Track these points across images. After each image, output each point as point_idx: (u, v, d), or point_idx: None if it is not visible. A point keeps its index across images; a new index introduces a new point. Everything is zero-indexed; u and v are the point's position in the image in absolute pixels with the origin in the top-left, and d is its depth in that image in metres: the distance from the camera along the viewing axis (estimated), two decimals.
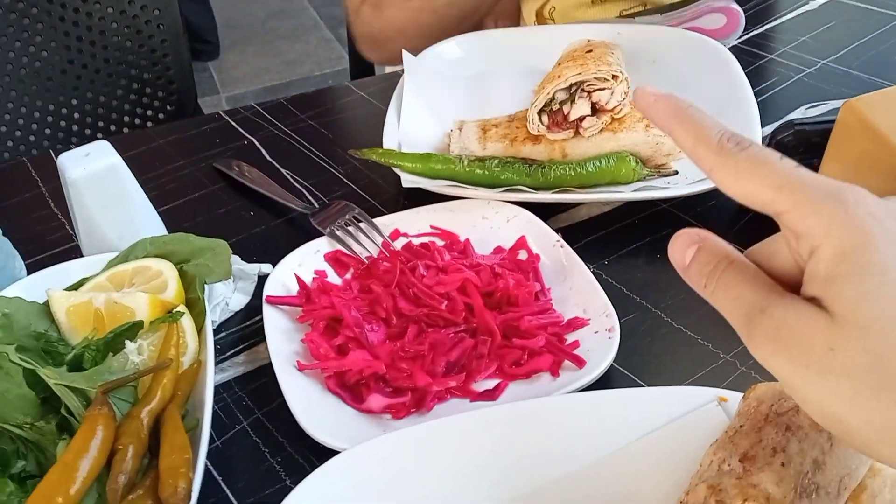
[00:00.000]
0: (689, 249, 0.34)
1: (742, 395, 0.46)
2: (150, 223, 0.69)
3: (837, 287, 0.30)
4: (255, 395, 0.57)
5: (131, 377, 0.51)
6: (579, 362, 0.55)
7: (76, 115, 1.21)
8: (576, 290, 0.60)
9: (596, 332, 0.56)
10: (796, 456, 0.39)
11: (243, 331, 0.63)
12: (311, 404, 0.53)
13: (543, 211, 0.69)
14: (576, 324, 0.58)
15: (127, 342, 0.54)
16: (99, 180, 0.65)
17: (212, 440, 0.53)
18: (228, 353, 0.61)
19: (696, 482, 0.41)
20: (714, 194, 0.72)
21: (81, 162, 0.65)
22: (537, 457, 0.47)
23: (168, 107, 1.25)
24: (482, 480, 0.46)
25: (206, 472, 0.51)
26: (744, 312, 0.32)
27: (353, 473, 0.46)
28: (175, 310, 0.56)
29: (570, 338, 0.57)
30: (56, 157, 0.66)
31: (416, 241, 0.67)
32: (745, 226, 0.69)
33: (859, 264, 0.29)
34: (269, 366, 0.59)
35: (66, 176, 0.64)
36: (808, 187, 0.30)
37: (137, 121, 1.24)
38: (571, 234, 0.67)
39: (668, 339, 0.59)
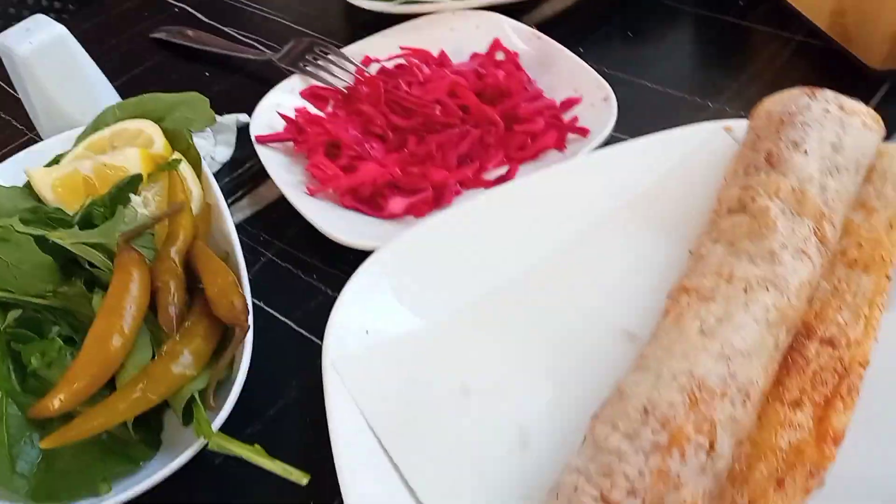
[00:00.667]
0: None
1: (747, 119, 0.48)
2: (108, 94, 0.65)
3: None
4: (271, 230, 0.57)
5: (150, 222, 0.50)
6: (583, 132, 0.55)
7: None
8: (562, 73, 0.61)
9: (592, 105, 0.57)
10: (816, 142, 0.42)
11: (237, 179, 0.61)
12: (333, 221, 0.53)
13: (511, 14, 0.68)
14: (570, 103, 0.58)
15: (132, 196, 0.52)
16: (48, 53, 0.61)
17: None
18: (230, 201, 0.60)
19: (725, 191, 0.44)
20: None
21: (25, 37, 0.60)
22: (572, 210, 0.48)
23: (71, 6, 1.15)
24: (523, 248, 0.47)
25: None
26: None
27: (394, 264, 0.46)
28: (172, 158, 0.54)
29: (568, 116, 0.58)
30: None
31: (390, 65, 0.65)
32: None
33: None
34: (274, 204, 0.58)
35: (12, 55, 0.60)
36: None
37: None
38: (543, 31, 0.67)
39: (657, 103, 0.60)
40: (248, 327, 0.44)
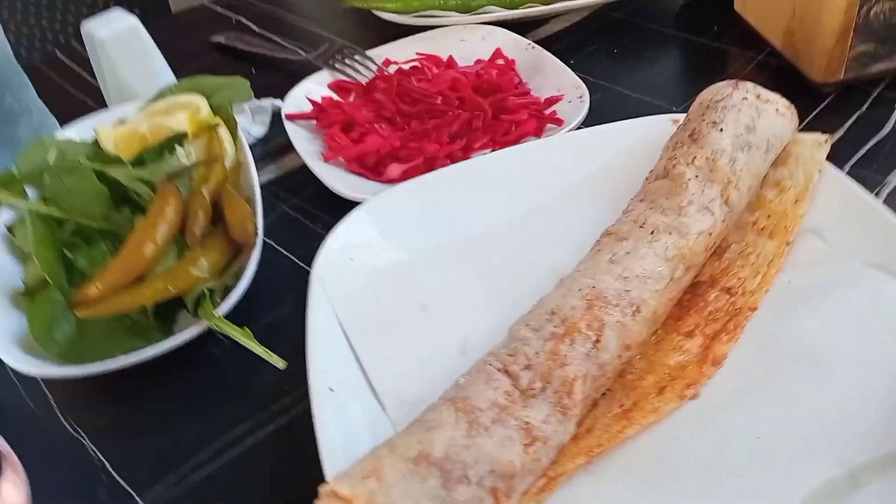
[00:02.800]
0: None
1: None
2: (169, 77, 0.77)
3: None
4: (289, 190, 0.66)
5: (189, 167, 0.60)
6: (558, 122, 0.64)
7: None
8: (548, 77, 0.69)
9: (570, 102, 0.66)
10: (732, 123, 0.49)
11: (268, 149, 0.71)
12: (340, 181, 0.62)
13: (515, 31, 0.77)
14: (552, 100, 0.67)
15: (177, 147, 0.63)
16: (123, 38, 0.72)
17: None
18: (259, 165, 0.69)
19: (657, 163, 0.51)
20: None
21: (105, 24, 0.72)
22: (537, 181, 0.55)
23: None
24: (491, 209, 0.54)
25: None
26: None
27: (382, 211, 0.54)
28: (213, 122, 0.65)
29: (549, 111, 0.66)
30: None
31: (406, 67, 0.75)
32: (687, 20, 0.79)
33: None
34: (296, 170, 0.68)
35: (94, 38, 0.72)
36: None
37: None
38: (541, 45, 0.76)
39: (630, 106, 0.68)
40: (255, 244, 0.53)
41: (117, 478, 0.45)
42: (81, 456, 0.47)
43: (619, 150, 0.55)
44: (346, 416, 0.41)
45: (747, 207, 0.49)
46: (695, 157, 0.47)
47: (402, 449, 0.35)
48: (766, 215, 0.49)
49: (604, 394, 0.41)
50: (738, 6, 0.73)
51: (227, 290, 0.52)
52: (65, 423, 0.49)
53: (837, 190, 0.48)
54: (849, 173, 0.57)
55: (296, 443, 0.46)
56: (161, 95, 0.71)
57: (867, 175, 0.57)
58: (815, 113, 0.63)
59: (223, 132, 0.65)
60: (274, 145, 0.72)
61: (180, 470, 0.45)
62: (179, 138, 0.63)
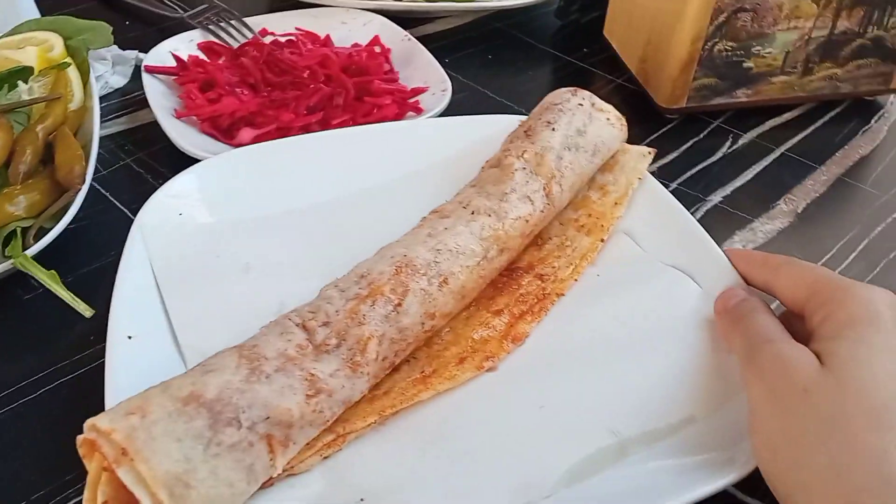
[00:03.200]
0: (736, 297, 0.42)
1: None
2: (33, 13, 0.73)
3: (837, 344, 0.33)
4: (137, 144, 0.64)
5: (26, 102, 0.57)
6: (418, 110, 0.65)
7: None
8: (418, 69, 0.70)
9: (433, 94, 0.67)
10: (564, 124, 0.51)
11: (124, 102, 0.69)
12: (188, 138, 0.60)
13: (398, 24, 0.77)
14: (418, 91, 0.68)
15: (20, 83, 0.60)
16: None
17: (97, 171, 0.60)
18: (111, 116, 0.67)
19: (493, 155, 0.52)
20: (538, 13, 0.85)
21: None
22: (382, 162, 0.55)
23: None
24: (331, 183, 0.54)
25: (94, 189, 0.58)
26: (756, 340, 0.36)
27: (221, 171, 0.53)
28: (62, 61, 0.62)
29: (413, 100, 0.67)
30: None
31: (282, 40, 0.75)
32: (562, 39, 0.82)
33: (861, 335, 0.33)
34: (148, 125, 0.66)
35: None
36: (837, 278, 0.37)
37: None
38: (421, 43, 0.77)
39: (491, 107, 0.70)
40: (80, 188, 0.51)
41: None
42: None
43: (467, 142, 0.56)
44: (139, 366, 0.40)
45: (572, 206, 0.52)
46: (525, 150, 0.50)
47: (174, 389, 0.34)
48: (587, 214, 0.52)
49: (408, 360, 0.42)
50: (606, 31, 0.76)
51: (44, 233, 0.50)
52: None
53: (652, 197, 0.52)
54: (677, 189, 0.61)
55: (91, 394, 0.44)
56: (18, 30, 0.68)
57: (692, 193, 0.61)
58: (656, 135, 0.67)
59: (73, 74, 0.62)
60: (132, 99, 0.70)
61: None
62: (23, 74, 0.60)
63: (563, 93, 0.54)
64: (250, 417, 0.34)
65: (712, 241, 0.47)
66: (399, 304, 0.40)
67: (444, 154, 0.56)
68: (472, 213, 0.46)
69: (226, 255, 0.49)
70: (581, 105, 0.52)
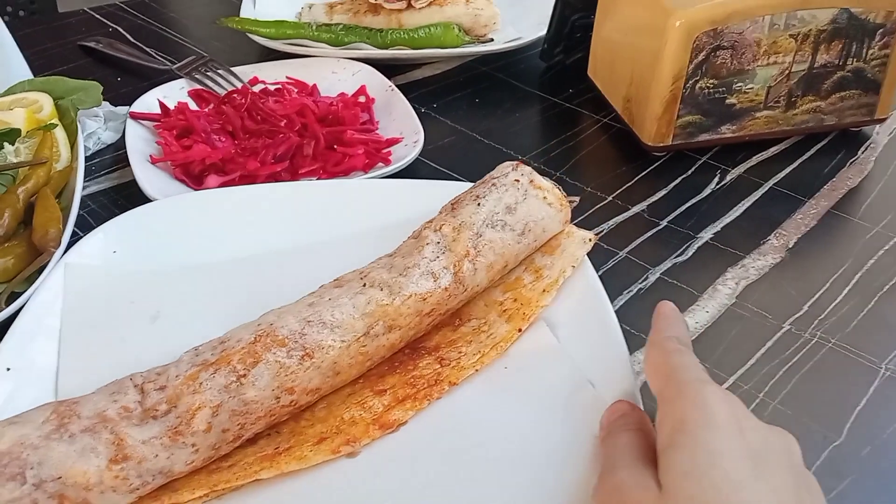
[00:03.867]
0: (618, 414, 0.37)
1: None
2: (25, 74, 0.73)
3: (670, 457, 0.30)
4: (128, 198, 0.63)
5: (10, 165, 0.57)
6: (386, 161, 0.64)
7: None
8: (396, 119, 0.70)
9: (405, 145, 0.66)
10: (493, 200, 0.47)
11: (116, 157, 0.69)
12: (155, 186, 0.59)
13: (385, 72, 0.77)
14: (392, 141, 0.67)
15: (6, 144, 0.59)
16: None
17: (88, 226, 0.59)
18: (104, 171, 0.67)
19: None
20: (523, 56, 0.84)
21: None
22: (318, 220, 0.53)
23: (21, 12, 1.25)
24: (266, 236, 0.52)
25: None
26: (605, 466, 0.34)
27: (159, 216, 0.53)
28: (49, 122, 0.62)
29: (387, 150, 0.66)
30: None
31: (272, 88, 0.75)
32: (548, 80, 0.81)
33: (694, 439, 0.30)
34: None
35: None
36: (679, 372, 0.33)
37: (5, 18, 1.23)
38: (407, 89, 0.76)
39: (479, 150, 0.69)
40: (54, 251, 0.50)
41: None
42: None
43: (412, 207, 0.52)
44: (5, 399, 0.40)
45: (502, 286, 0.48)
46: (444, 224, 0.46)
47: None
48: (513, 299, 0.47)
49: (268, 434, 0.40)
50: (590, 72, 0.76)
51: (14, 297, 0.49)
52: None
53: (582, 288, 0.47)
54: (666, 227, 0.60)
55: None
56: (11, 91, 0.68)
57: (682, 230, 0.60)
58: (644, 172, 0.66)
59: (60, 134, 0.62)
60: (124, 154, 0.69)
61: None
62: (11, 136, 0.60)
63: (505, 166, 0.50)
64: (38, 475, 0.33)
65: (624, 344, 0.43)
66: (243, 376, 0.37)
67: (385, 218, 0.52)
68: (364, 286, 0.42)
69: (140, 301, 0.47)
70: (518, 181, 0.48)
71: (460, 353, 0.44)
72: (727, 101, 0.65)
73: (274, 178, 0.62)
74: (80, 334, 0.44)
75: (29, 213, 0.55)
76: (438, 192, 0.51)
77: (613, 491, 0.32)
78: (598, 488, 0.33)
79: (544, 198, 0.48)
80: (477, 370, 0.43)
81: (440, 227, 0.45)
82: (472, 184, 0.51)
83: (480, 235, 0.45)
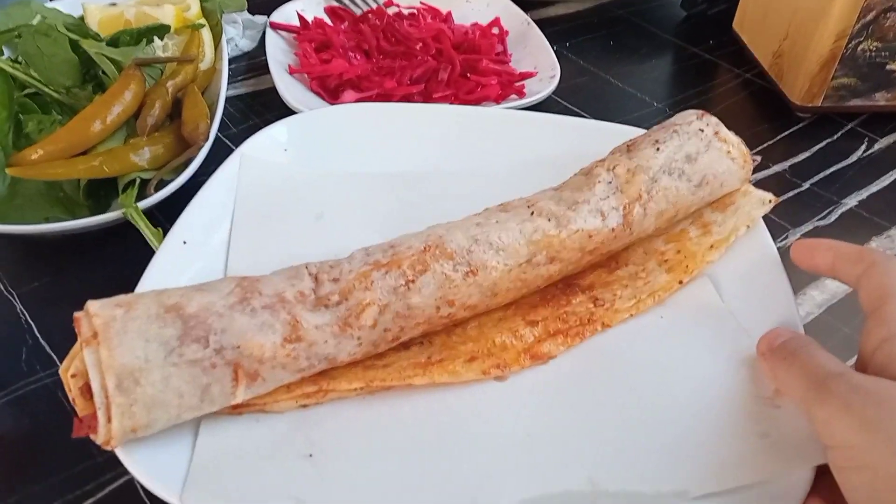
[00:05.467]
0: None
1: None
2: None
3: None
4: (264, 105, 0.63)
5: (162, 59, 0.57)
6: (520, 93, 0.61)
7: None
8: (531, 53, 0.66)
9: (541, 80, 0.62)
10: (673, 147, 0.44)
11: (251, 65, 0.68)
12: (296, 95, 0.59)
13: (519, 5, 0.74)
14: (525, 75, 0.64)
15: (156, 38, 0.59)
16: None
17: (227, 128, 0.59)
18: (239, 77, 0.66)
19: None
20: (662, 2, 0.79)
21: None
22: (477, 146, 0.51)
23: None
24: (421, 155, 0.51)
25: (224, 146, 0.57)
26: (821, 375, 0.31)
27: (323, 122, 0.51)
28: (197, 22, 0.62)
29: (518, 83, 0.63)
30: None
31: (406, 11, 0.72)
32: (686, 30, 0.76)
33: None
34: (273, 89, 0.64)
35: None
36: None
37: None
38: (539, 26, 0.73)
39: (612, 93, 0.66)
40: (203, 144, 0.51)
41: (42, 342, 0.43)
42: (10, 315, 0.45)
43: (573, 144, 0.50)
44: (181, 269, 0.40)
45: (664, 237, 0.45)
46: (617, 164, 0.43)
47: (165, 296, 0.34)
48: (676, 250, 0.44)
49: (421, 342, 0.39)
50: (735, 24, 0.70)
51: (163, 185, 0.49)
52: None
53: (754, 249, 0.43)
54: (809, 189, 0.55)
55: None
56: None
57: (825, 194, 0.55)
58: (787, 132, 0.61)
59: (206, 35, 0.62)
60: (259, 62, 0.69)
61: None
62: (160, 30, 0.60)
63: (688, 114, 0.46)
64: (220, 341, 0.33)
65: (798, 317, 0.39)
66: (412, 281, 0.36)
67: (545, 151, 0.50)
68: (532, 214, 0.40)
69: (306, 200, 0.47)
70: (702, 131, 0.45)
71: (615, 295, 0.42)
72: (887, 66, 0.59)
73: (407, 99, 0.60)
74: (251, 221, 0.44)
75: (175, 107, 0.55)
76: (597, 132, 0.50)
77: (858, 389, 0.29)
78: (828, 392, 0.30)
79: (728, 151, 0.44)
80: (632, 315, 0.41)
81: (613, 167, 0.43)
82: (641, 130, 0.48)
83: (655, 181, 0.42)
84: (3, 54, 0.56)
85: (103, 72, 0.55)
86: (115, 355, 0.31)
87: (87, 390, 0.32)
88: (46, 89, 0.54)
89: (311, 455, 0.34)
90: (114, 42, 0.57)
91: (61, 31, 0.55)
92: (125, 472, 0.36)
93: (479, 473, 0.34)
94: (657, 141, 0.44)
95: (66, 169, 0.47)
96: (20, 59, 0.56)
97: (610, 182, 0.42)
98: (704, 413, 0.36)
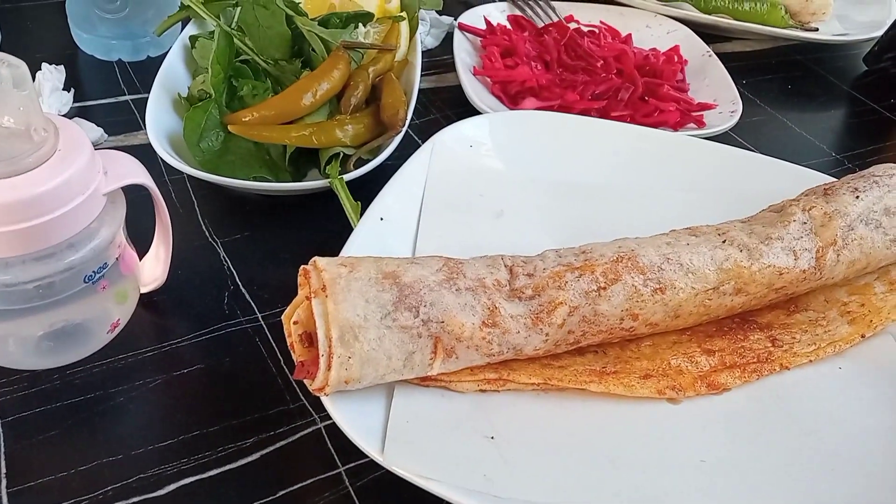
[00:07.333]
0: None
1: None
2: None
3: None
4: (444, 101, 0.65)
5: (366, 44, 0.59)
6: (700, 123, 0.60)
7: None
8: (711, 85, 0.66)
9: (720, 113, 0.62)
10: (873, 198, 0.43)
11: (433, 62, 0.70)
12: (479, 94, 0.61)
13: (702, 36, 0.73)
14: (704, 106, 0.63)
15: (360, 24, 0.62)
16: None
17: (412, 119, 0.61)
18: (422, 73, 0.69)
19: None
20: (844, 54, 0.77)
21: None
22: (658, 170, 0.51)
23: None
24: (604, 170, 0.51)
25: (407, 135, 0.59)
26: None
27: (508, 125, 0.53)
28: (398, 14, 0.64)
29: (696, 114, 0.62)
30: None
31: (585, 29, 0.73)
32: (866, 85, 0.73)
33: None
34: (452, 87, 0.66)
35: None
36: None
37: None
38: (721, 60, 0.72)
39: (788, 136, 0.64)
40: (400, 130, 0.53)
41: (242, 290, 0.45)
42: (215, 261, 0.47)
43: (757, 182, 0.49)
44: (377, 241, 0.42)
45: (848, 288, 0.44)
46: (814, 206, 0.42)
47: (383, 263, 0.36)
48: (860, 303, 0.43)
49: (596, 351, 0.40)
50: None
51: (360, 163, 0.51)
52: (203, 227, 0.50)
53: None
54: None
55: None
56: None
57: None
58: None
59: (403, 27, 0.64)
60: (440, 61, 0.71)
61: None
62: (365, 17, 0.62)
63: (889, 167, 0.45)
64: (428, 313, 0.34)
65: None
66: (604, 288, 0.37)
67: (724, 184, 0.50)
68: (724, 242, 0.40)
69: (488, 196, 0.48)
70: None
71: (794, 339, 0.41)
72: None
73: (585, 113, 0.60)
74: (438, 207, 0.46)
75: (372, 92, 0.57)
76: (786, 174, 0.49)
77: None
78: None
79: None
80: (810, 361, 0.40)
81: (810, 209, 0.42)
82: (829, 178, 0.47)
83: (852, 229, 0.42)
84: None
85: (312, 49, 0.58)
86: (340, 309, 0.33)
87: (305, 338, 0.34)
88: (258, 58, 0.57)
89: (492, 437, 0.35)
90: (324, 23, 0.60)
91: (279, 6, 0.59)
92: (314, 422, 0.38)
93: (658, 487, 0.34)
94: (857, 189, 0.43)
95: (279, 134, 0.50)
96: (234, 27, 0.59)
97: (805, 223, 0.42)
98: (885, 472, 0.35)
